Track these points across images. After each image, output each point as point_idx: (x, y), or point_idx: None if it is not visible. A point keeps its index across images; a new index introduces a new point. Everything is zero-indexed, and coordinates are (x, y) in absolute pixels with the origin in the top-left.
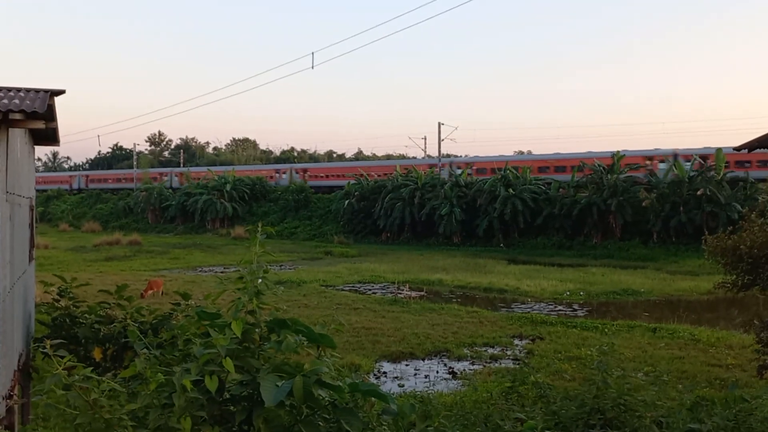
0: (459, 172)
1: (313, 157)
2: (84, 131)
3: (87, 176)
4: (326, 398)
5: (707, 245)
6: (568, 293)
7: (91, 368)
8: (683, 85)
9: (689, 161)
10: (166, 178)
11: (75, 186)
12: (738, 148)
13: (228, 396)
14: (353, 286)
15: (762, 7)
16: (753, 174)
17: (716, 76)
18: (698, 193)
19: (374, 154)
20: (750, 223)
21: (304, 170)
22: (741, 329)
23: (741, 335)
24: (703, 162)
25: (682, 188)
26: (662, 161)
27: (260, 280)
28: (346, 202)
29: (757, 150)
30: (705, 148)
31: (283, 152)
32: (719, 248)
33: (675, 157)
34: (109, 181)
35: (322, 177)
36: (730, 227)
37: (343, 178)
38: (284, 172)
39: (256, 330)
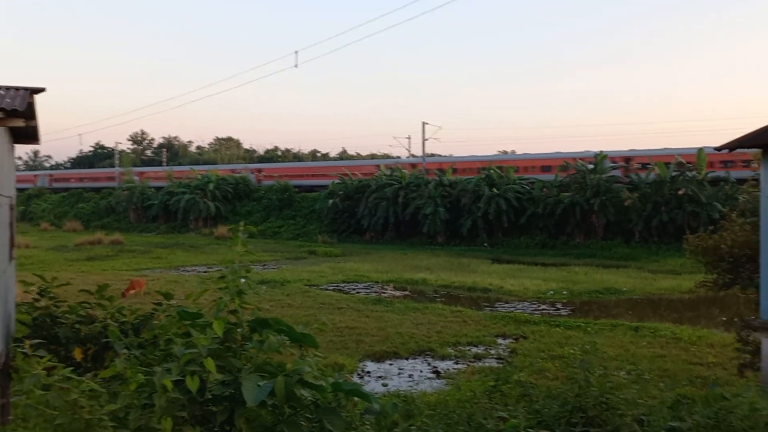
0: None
1: (297, 156)
2: (66, 129)
3: (51, 176)
4: (309, 398)
5: (688, 244)
6: (551, 292)
7: (71, 368)
8: (679, 84)
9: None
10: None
11: (39, 185)
12: (719, 149)
13: (209, 396)
14: (337, 286)
15: (761, 7)
16: (735, 174)
17: (712, 76)
18: (680, 192)
19: (358, 154)
20: (731, 222)
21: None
22: (722, 328)
23: (722, 334)
24: (685, 162)
25: (663, 188)
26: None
27: (242, 280)
28: (330, 201)
29: (738, 150)
30: (664, 149)
31: (267, 151)
32: (700, 247)
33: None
34: (72, 180)
35: (304, 177)
36: (711, 227)
37: (326, 177)
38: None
39: (238, 330)
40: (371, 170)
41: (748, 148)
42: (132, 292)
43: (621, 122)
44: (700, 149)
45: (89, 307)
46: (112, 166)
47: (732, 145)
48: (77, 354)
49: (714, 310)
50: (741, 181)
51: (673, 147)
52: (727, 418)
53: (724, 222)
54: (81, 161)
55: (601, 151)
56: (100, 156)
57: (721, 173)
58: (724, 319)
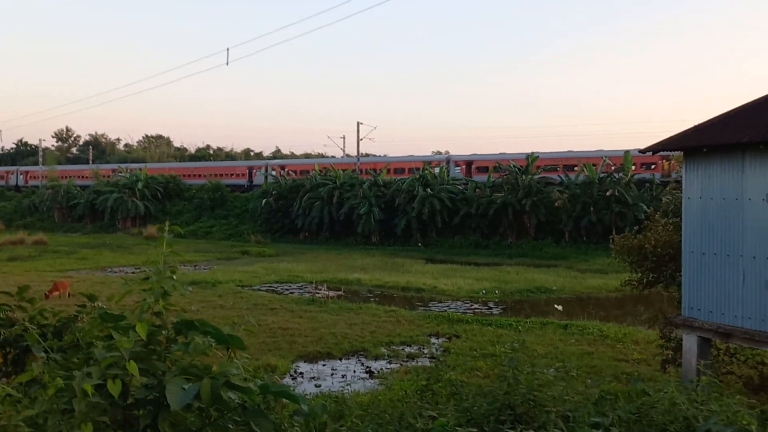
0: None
1: (230, 155)
2: None
3: None
4: (236, 400)
5: (614, 244)
6: (483, 292)
7: None
8: (611, 88)
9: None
10: (11, 177)
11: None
12: (643, 151)
13: (132, 400)
14: (270, 286)
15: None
16: (658, 176)
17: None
18: (607, 194)
19: (292, 153)
20: (654, 223)
21: (282, 167)
22: (646, 325)
23: (646, 331)
24: (613, 165)
25: (592, 189)
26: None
27: (170, 281)
28: (264, 201)
29: (662, 152)
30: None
31: (198, 150)
32: (626, 247)
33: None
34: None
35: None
36: (636, 227)
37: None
38: (259, 169)
39: (163, 332)
40: (308, 168)
41: (671, 150)
42: (56, 293)
43: (553, 124)
44: (627, 151)
45: (9, 309)
46: (36, 163)
47: (655, 148)
48: None
49: (639, 307)
50: (665, 183)
51: (576, 150)
52: (649, 413)
53: (648, 222)
54: (2, 158)
55: (533, 153)
56: (23, 153)
57: (647, 175)
58: (649, 316)
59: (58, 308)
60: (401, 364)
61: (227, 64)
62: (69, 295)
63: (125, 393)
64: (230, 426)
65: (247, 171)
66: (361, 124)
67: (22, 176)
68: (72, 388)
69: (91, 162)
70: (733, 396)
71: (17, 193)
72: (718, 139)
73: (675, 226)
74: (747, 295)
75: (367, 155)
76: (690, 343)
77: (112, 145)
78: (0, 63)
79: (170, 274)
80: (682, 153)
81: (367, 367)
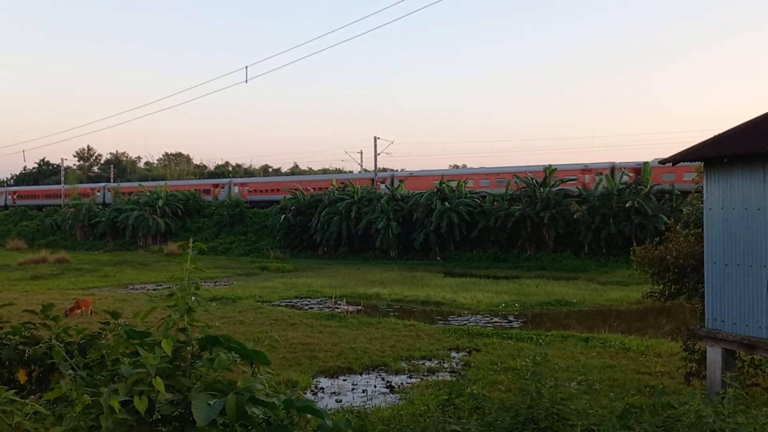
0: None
1: (249, 172)
2: (8, 146)
3: (14, 192)
4: (260, 416)
5: (635, 256)
6: (503, 305)
7: (14, 390)
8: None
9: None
10: (98, 194)
11: (1, 203)
12: (664, 161)
13: (158, 416)
14: (290, 302)
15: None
16: (679, 186)
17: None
18: (627, 205)
19: (310, 169)
20: (675, 234)
21: (243, 185)
22: (669, 337)
23: (669, 343)
24: (630, 175)
25: (611, 201)
26: (599, 173)
27: (192, 297)
28: (282, 216)
29: (682, 163)
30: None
31: (218, 167)
32: (647, 259)
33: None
34: (40, 197)
35: (261, 192)
36: (657, 238)
37: (278, 192)
38: (223, 187)
39: (188, 348)
40: (326, 185)
41: (691, 161)
42: (77, 311)
43: (572, 136)
44: (646, 163)
45: (33, 327)
46: (58, 182)
47: (675, 159)
48: (21, 376)
49: (661, 320)
50: (685, 194)
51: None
52: (675, 426)
53: (669, 233)
54: (25, 178)
55: (550, 165)
56: (45, 173)
57: (667, 186)
58: (671, 328)
59: (82, 326)
60: (422, 379)
61: (246, 81)
62: (91, 313)
63: (151, 409)
64: None
65: (212, 188)
66: (378, 138)
67: (109, 193)
68: (99, 404)
69: (112, 180)
70: (760, 408)
71: (39, 212)
72: (739, 148)
73: (696, 236)
74: None
75: (384, 170)
76: (714, 355)
77: (133, 163)
78: (22, 84)
79: (194, 290)
80: (703, 163)
81: (388, 381)
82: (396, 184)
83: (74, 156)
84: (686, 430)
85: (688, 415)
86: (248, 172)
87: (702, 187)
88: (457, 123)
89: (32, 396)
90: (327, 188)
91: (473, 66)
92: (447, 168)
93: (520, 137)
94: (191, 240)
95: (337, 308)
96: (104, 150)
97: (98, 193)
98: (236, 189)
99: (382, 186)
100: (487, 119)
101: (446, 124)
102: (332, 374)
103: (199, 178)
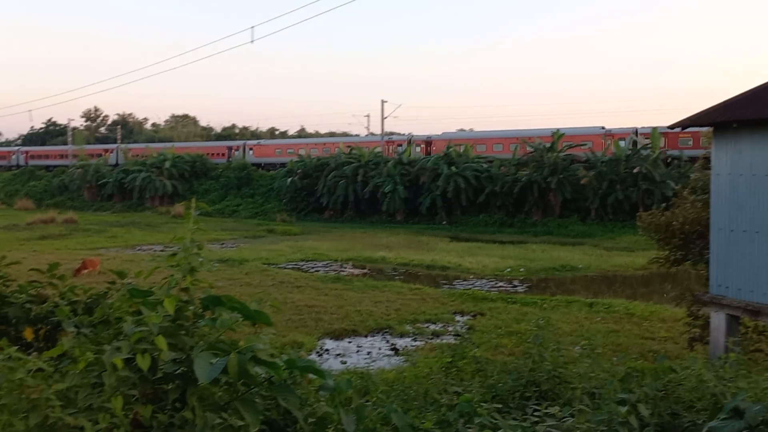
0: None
1: (255, 134)
2: (14, 105)
3: (27, 152)
4: (262, 375)
5: (641, 221)
6: (508, 270)
7: (17, 347)
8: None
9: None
10: (111, 155)
11: (14, 163)
12: (672, 126)
13: (161, 374)
14: (296, 264)
15: None
16: (687, 153)
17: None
18: (634, 171)
19: (317, 132)
20: (682, 200)
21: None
22: (673, 303)
23: (673, 309)
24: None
25: (619, 166)
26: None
27: (196, 257)
28: (289, 179)
29: (690, 128)
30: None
31: (224, 129)
32: (653, 224)
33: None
34: (52, 157)
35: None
36: (663, 204)
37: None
38: (237, 149)
39: (190, 307)
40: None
41: (700, 126)
42: (85, 271)
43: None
44: (654, 128)
45: (40, 286)
46: (65, 143)
47: (684, 123)
48: (28, 334)
49: (666, 285)
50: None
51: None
52: (676, 390)
53: (676, 199)
54: (32, 138)
55: (558, 130)
56: (52, 133)
57: (675, 152)
58: (676, 294)
59: (89, 285)
60: (426, 342)
61: (252, 42)
62: (99, 273)
63: (154, 367)
64: (257, 400)
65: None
66: (386, 102)
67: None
68: (102, 362)
69: (119, 141)
70: (762, 373)
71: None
72: (748, 113)
73: (704, 203)
74: None
75: (391, 133)
76: (718, 320)
77: (140, 124)
78: (29, 43)
79: (197, 251)
80: (711, 129)
81: (392, 344)
82: (417, 150)
83: (81, 116)
84: (687, 394)
85: (689, 380)
86: (255, 135)
87: (710, 153)
88: (466, 86)
89: (36, 353)
90: (334, 151)
91: (485, 30)
92: (455, 131)
93: (532, 102)
94: (194, 201)
95: (343, 271)
96: (111, 111)
97: (111, 155)
98: (250, 151)
99: (399, 149)
100: (498, 84)
101: (454, 89)
102: (337, 336)
103: (206, 140)
